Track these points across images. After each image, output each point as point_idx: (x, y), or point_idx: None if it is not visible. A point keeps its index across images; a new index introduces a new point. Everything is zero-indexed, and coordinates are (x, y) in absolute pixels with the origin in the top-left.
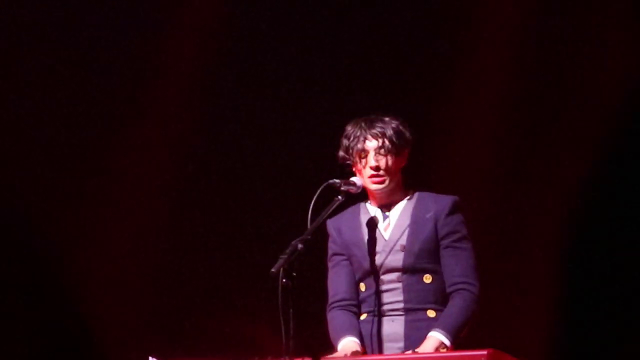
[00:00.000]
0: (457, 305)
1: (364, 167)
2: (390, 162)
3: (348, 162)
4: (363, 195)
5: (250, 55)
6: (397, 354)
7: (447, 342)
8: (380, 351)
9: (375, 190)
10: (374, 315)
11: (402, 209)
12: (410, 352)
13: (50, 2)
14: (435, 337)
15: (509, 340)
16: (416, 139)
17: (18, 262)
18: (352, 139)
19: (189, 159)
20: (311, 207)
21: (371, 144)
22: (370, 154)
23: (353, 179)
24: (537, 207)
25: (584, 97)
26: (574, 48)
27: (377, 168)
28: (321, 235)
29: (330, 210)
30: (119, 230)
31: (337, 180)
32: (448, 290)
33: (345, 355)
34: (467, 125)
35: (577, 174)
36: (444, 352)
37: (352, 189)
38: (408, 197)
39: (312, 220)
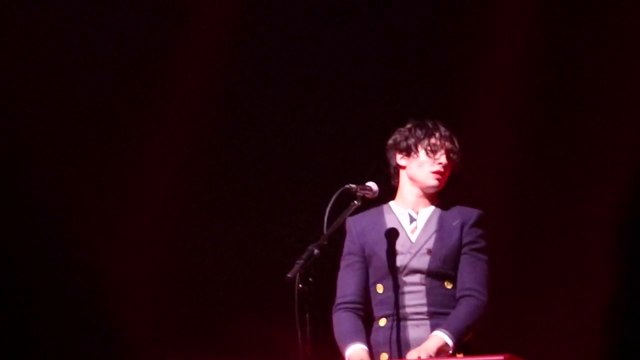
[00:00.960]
0: (464, 309)
1: (432, 162)
2: (450, 169)
3: (410, 151)
4: (384, 198)
5: (266, 57)
6: (413, 359)
7: (450, 343)
8: (402, 357)
9: (432, 186)
10: (395, 320)
11: (430, 214)
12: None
13: (70, 4)
14: (439, 337)
15: (525, 345)
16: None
17: (36, 261)
18: (427, 131)
19: (207, 161)
20: (327, 212)
21: (446, 144)
22: (441, 152)
23: (369, 183)
24: (560, 213)
25: (612, 96)
26: (594, 43)
27: (446, 167)
28: (337, 241)
29: (347, 215)
30: (138, 230)
31: (354, 185)
32: (458, 294)
33: None
34: (489, 134)
35: (606, 178)
36: (460, 357)
37: (369, 194)
38: (435, 204)
39: (329, 225)
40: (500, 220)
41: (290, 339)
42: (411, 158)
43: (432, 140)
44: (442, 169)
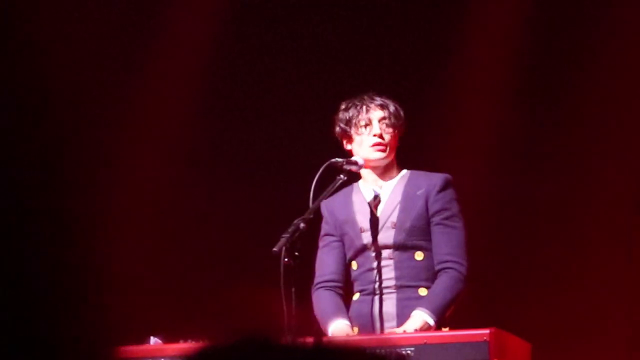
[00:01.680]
0: (443, 284)
1: (367, 136)
2: (391, 135)
3: (347, 134)
4: (357, 175)
5: (251, 34)
6: (398, 334)
7: (431, 322)
8: (374, 330)
9: (376, 159)
10: (368, 294)
11: (393, 186)
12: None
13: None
14: (420, 317)
15: (510, 319)
16: (413, 122)
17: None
18: (354, 108)
19: (191, 143)
20: (313, 186)
21: (376, 113)
22: (374, 123)
23: (354, 157)
24: (538, 186)
25: (591, 78)
26: (581, 27)
27: (381, 136)
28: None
29: (333, 189)
30: (121, 207)
31: (339, 160)
32: (436, 268)
33: (347, 335)
34: (462, 107)
35: (576, 153)
36: (446, 331)
37: (354, 168)
38: (400, 175)
39: (314, 199)
40: (485, 194)
41: (277, 312)
42: (352, 140)
43: (362, 115)
44: (379, 140)
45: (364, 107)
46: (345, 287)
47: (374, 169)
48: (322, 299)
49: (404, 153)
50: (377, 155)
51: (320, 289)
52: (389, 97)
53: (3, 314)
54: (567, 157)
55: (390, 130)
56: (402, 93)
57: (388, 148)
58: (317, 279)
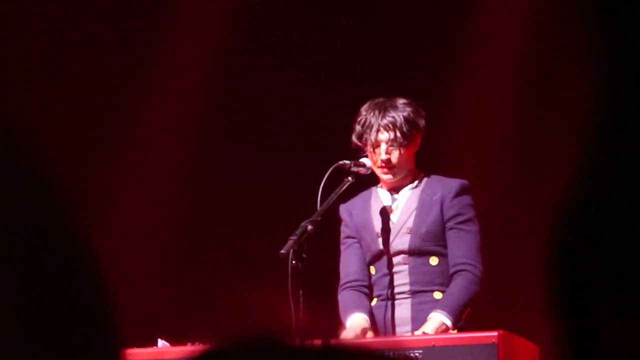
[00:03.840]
0: (458, 286)
1: (376, 158)
2: (401, 154)
3: (360, 148)
4: (374, 178)
5: (261, 34)
6: (407, 336)
7: (449, 323)
8: (388, 335)
9: (384, 180)
10: (384, 300)
11: (410, 192)
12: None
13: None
14: (437, 318)
15: (519, 322)
16: (429, 124)
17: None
18: (364, 127)
19: (202, 139)
20: (321, 189)
21: (383, 136)
22: (382, 146)
23: (363, 160)
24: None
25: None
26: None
27: (388, 161)
28: (331, 216)
29: (340, 191)
30: (128, 208)
31: (347, 162)
32: (451, 271)
33: (356, 335)
34: (482, 109)
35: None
36: (454, 334)
37: (362, 170)
38: (417, 181)
39: (322, 201)
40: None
41: (285, 314)
42: (366, 152)
43: (372, 137)
44: (384, 164)
45: (374, 128)
46: (370, 286)
47: (390, 181)
48: (344, 298)
49: (423, 156)
50: (384, 177)
51: (345, 290)
52: (408, 102)
53: (13, 318)
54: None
55: (401, 149)
56: (415, 94)
57: (398, 168)
58: (341, 281)
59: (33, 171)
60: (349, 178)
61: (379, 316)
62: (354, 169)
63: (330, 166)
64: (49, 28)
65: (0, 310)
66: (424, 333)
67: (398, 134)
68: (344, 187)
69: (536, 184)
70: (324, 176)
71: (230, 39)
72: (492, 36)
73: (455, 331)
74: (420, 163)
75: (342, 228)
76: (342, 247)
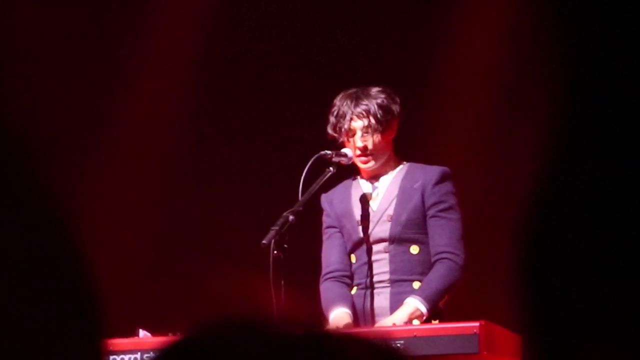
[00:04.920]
0: (437, 273)
1: (353, 146)
2: (377, 141)
3: (336, 138)
4: (355, 168)
5: (245, 27)
6: (387, 327)
7: (424, 309)
8: (367, 325)
9: (363, 168)
10: (363, 288)
11: (391, 179)
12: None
13: None
14: (412, 304)
15: (500, 313)
16: (404, 109)
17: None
18: (338, 117)
19: (178, 135)
20: (302, 179)
21: (357, 124)
22: (357, 134)
23: (344, 150)
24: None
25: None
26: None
27: (364, 149)
28: (312, 207)
29: (322, 181)
30: (110, 198)
31: (329, 152)
32: (432, 259)
33: (337, 327)
34: (464, 97)
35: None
36: (435, 324)
37: (344, 160)
38: (398, 168)
39: (304, 191)
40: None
41: (266, 304)
42: (342, 143)
43: (346, 126)
44: (361, 151)
45: (347, 117)
46: (352, 276)
47: (368, 169)
48: (327, 290)
49: (402, 144)
50: (362, 165)
51: (327, 281)
52: (382, 90)
53: None
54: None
55: (376, 136)
56: (396, 83)
57: (375, 154)
58: (323, 271)
59: (18, 164)
60: (331, 168)
61: (358, 305)
62: (336, 159)
63: (312, 156)
64: (33, 25)
65: None
66: (396, 321)
67: (372, 120)
68: (325, 178)
69: (515, 173)
70: (305, 166)
71: (214, 31)
72: (473, 23)
73: (437, 321)
74: (401, 152)
75: (324, 218)
76: (323, 237)
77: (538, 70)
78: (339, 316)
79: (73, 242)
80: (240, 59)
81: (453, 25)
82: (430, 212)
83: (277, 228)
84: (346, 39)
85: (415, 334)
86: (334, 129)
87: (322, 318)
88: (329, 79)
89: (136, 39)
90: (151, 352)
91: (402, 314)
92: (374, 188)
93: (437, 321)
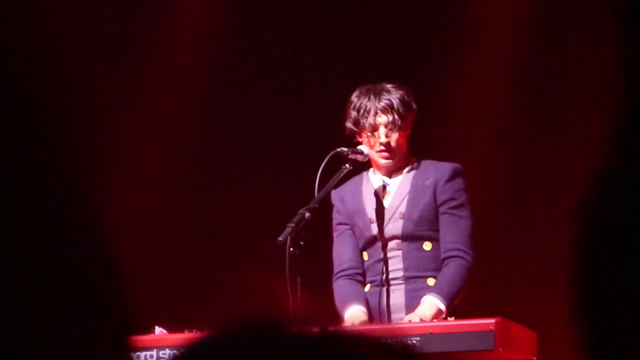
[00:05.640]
0: (451, 272)
1: (374, 142)
2: (399, 137)
3: (355, 132)
4: (367, 163)
5: (259, 20)
6: (404, 323)
7: (443, 307)
8: (383, 322)
9: (383, 164)
10: (377, 286)
11: (403, 177)
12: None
13: None
14: (432, 302)
15: (516, 309)
16: (422, 110)
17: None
18: (361, 112)
19: (198, 133)
20: (318, 176)
21: (381, 119)
22: (381, 130)
23: (360, 147)
24: (546, 178)
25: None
26: (583, 21)
27: (387, 144)
28: (328, 204)
29: (338, 178)
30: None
31: (345, 149)
32: (442, 256)
33: (353, 325)
34: (474, 93)
35: (584, 147)
36: (452, 321)
37: (360, 157)
38: (410, 165)
39: (320, 188)
40: (491, 180)
41: (282, 301)
42: (362, 138)
43: (370, 120)
44: (384, 147)
45: (371, 111)
46: (364, 273)
47: (388, 165)
48: (341, 287)
49: (414, 141)
50: (383, 161)
51: (340, 279)
52: (398, 86)
53: (19, 307)
54: (572, 152)
55: (397, 133)
56: (409, 82)
57: (396, 151)
58: (335, 269)
59: (55, 164)
60: (347, 165)
61: (373, 303)
62: (352, 156)
63: (328, 153)
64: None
65: (11, 293)
66: (421, 319)
67: (396, 116)
68: (341, 175)
69: (531, 172)
70: (321, 164)
71: (227, 24)
72: (491, 20)
73: (453, 318)
74: (414, 149)
75: (334, 214)
76: (334, 234)
77: (556, 64)
78: (354, 314)
79: (101, 239)
80: (257, 56)
81: (470, 19)
82: (442, 209)
83: (293, 225)
84: (359, 36)
85: (431, 330)
86: (356, 124)
87: (337, 316)
88: (343, 76)
89: (148, 38)
90: (167, 349)
91: (423, 311)
92: (386, 184)
93: (452, 318)
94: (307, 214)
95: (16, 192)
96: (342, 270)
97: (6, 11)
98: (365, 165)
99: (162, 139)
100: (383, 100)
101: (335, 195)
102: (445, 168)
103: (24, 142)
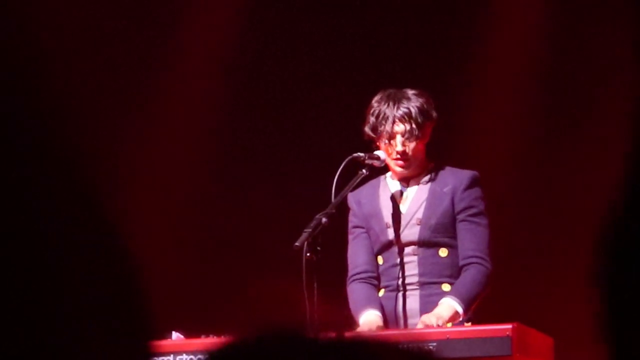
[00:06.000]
0: (470, 276)
1: (391, 150)
2: (416, 146)
3: (374, 139)
4: (384, 168)
5: (278, 26)
6: (421, 329)
7: (460, 310)
8: (398, 327)
9: (398, 172)
10: (392, 291)
11: (420, 182)
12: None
13: None
14: (449, 304)
15: (532, 314)
16: (439, 115)
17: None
18: (379, 119)
19: (221, 132)
20: (335, 181)
21: (398, 127)
22: (398, 138)
23: (377, 152)
24: (564, 182)
25: (615, 75)
26: (601, 26)
27: (403, 153)
28: (345, 209)
29: (355, 183)
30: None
31: (362, 154)
32: (461, 263)
33: (370, 330)
34: (494, 100)
35: (603, 153)
36: (468, 326)
37: (376, 163)
38: (428, 171)
39: (336, 194)
40: (510, 187)
41: (299, 307)
42: (380, 144)
43: (387, 128)
44: (400, 156)
45: (389, 119)
46: (378, 277)
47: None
48: (355, 291)
49: (435, 147)
50: (399, 169)
51: (354, 282)
52: (419, 93)
53: (40, 314)
54: (588, 156)
55: (414, 142)
56: (428, 85)
57: (412, 159)
58: (350, 272)
59: (73, 166)
60: (363, 170)
61: (387, 307)
62: (369, 161)
63: (345, 159)
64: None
65: (33, 296)
66: (437, 319)
67: (413, 125)
68: (358, 180)
69: (548, 176)
70: (338, 169)
71: (249, 24)
72: (508, 24)
73: (470, 323)
74: (431, 154)
75: (350, 217)
76: (350, 237)
77: (574, 66)
78: (370, 319)
79: (121, 244)
80: (277, 61)
81: (486, 24)
82: (461, 217)
83: (309, 230)
84: (381, 40)
85: (448, 336)
86: (374, 131)
87: (353, 322)
88: (362, 81)
89: (172, 31)
90: (184, 355)
91: (441, 312)
92: (403, 190)
93: (469, 323)
94: (324, 219)
95: (38, 196)
96: (357, 274)
97: (6, 11)
98: (382, 168)
99: (188, 143)
100: (402, 108)
101: (351, 198)
102: (464, 176)
103: (45, 145)
